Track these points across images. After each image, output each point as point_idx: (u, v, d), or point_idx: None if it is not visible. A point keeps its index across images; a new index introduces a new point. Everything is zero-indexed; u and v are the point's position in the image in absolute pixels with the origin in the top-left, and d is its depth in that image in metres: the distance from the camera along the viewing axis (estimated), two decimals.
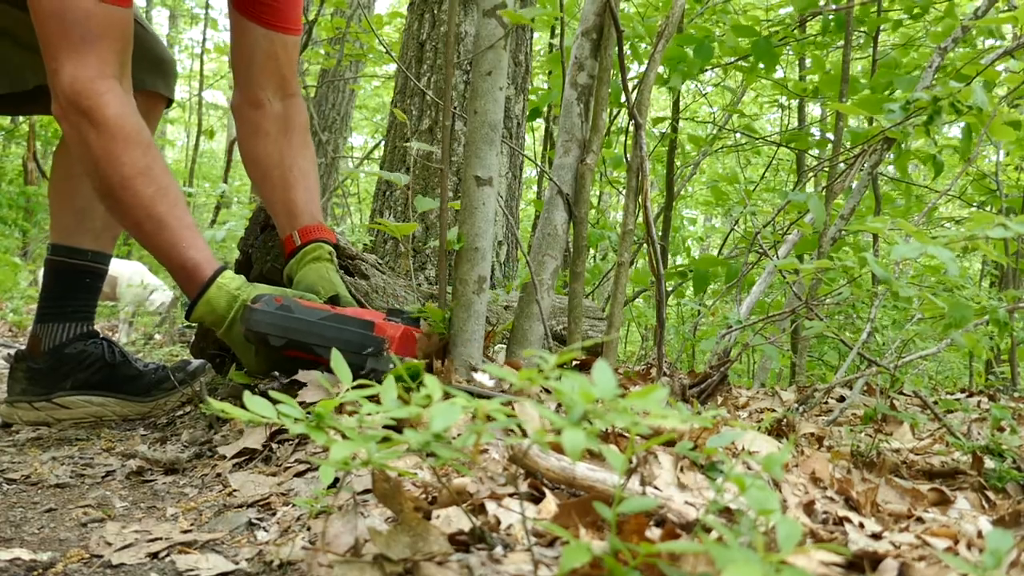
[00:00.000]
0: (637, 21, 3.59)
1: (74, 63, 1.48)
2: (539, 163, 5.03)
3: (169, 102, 2.02)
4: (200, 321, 1.56)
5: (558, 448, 0.89)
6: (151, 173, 1.52)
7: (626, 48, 1.90)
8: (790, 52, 5.01)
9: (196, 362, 1.90)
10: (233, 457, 1.28)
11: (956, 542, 0.91)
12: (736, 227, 4.60)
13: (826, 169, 3.30)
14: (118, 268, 6.63)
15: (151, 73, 1.93)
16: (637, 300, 5.27)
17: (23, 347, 1.92)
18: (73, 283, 1.89)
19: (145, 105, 1.96)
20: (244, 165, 1.94)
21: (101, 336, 1.91)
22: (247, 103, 1.88)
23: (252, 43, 1.84)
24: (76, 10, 1.48)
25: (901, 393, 2.52)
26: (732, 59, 4.28)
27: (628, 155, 2.13)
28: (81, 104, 1.48)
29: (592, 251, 6.02)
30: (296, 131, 1.89)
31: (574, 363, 1.65)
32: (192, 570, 0.83)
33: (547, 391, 1.39)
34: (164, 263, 1.57)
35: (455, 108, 3.04)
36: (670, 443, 1.00)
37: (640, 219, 2.16)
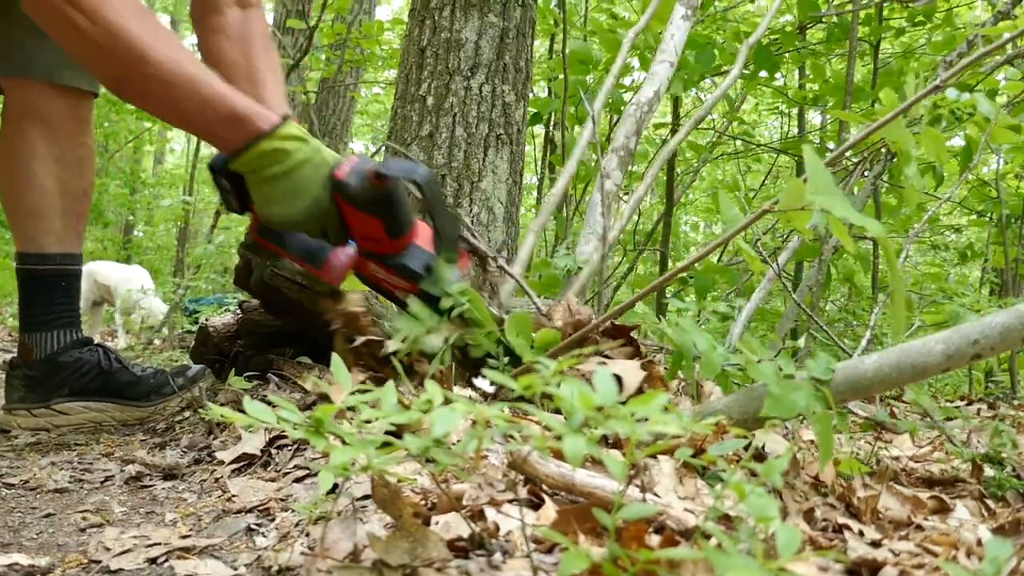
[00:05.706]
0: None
1: None
2: (539, 168, 5.02)
3: (95, 95, 1.91)
4: (260, 156, 1.34)
5: (558, 454, 0.89)
6: (165, 35, 1.36)
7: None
8: (789, 60, 5.01)
9: (195, 367, 1.89)
10: (232, 462, 1.27)
11: (956, 550, 0.91)
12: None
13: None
14: (116, 273, 6.61)
15: (72, 67, 1.83)
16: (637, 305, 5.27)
17: None
18: (48, 290, 1.84)
19: (67, 103, 1.85)
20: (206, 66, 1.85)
21: (96, 343, 1.90)
22: (208, 10, 1.75)
23: None
24: None
25: (900, 400, 2.52)
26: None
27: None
28: None
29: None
30: (258, 36, 1.77)
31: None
32: (191, 575, 0.83)
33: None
34: (206, 125, 1.37)
35: (455, 114, 3.05)
36: (670, 450, 1.00)
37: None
